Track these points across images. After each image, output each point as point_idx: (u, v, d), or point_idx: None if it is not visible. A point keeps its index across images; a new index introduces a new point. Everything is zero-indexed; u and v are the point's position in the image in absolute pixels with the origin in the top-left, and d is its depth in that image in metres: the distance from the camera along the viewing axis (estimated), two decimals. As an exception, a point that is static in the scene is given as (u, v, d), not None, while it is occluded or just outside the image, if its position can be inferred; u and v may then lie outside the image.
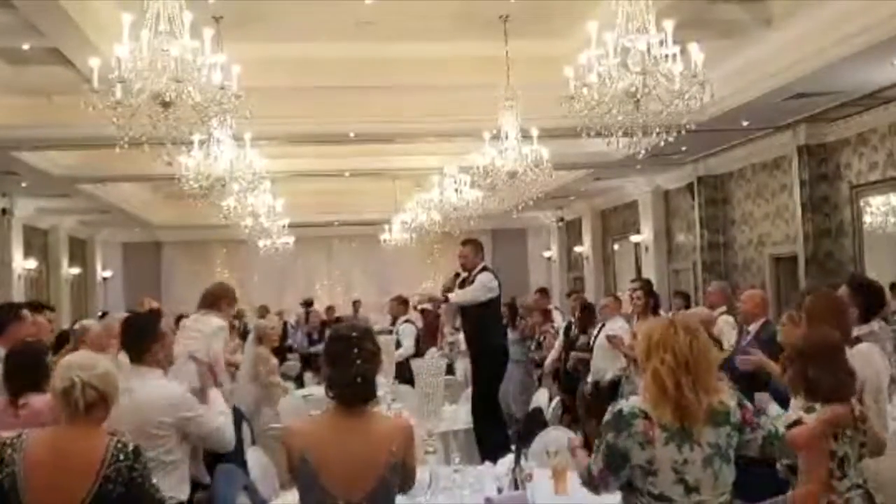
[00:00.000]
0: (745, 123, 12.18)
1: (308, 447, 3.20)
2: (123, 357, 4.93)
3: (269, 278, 23.36)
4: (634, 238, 19.10)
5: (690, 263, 16.86)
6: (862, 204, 12.09)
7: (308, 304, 18.81)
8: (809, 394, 3.81)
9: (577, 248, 22.82)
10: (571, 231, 23.72)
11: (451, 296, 7.87)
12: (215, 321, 6.43)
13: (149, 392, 4.28)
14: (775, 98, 10.44)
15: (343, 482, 3.14)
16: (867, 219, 12.01)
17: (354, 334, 3.33)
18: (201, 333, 6.35)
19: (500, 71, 9.50)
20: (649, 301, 8.41)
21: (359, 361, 3.21)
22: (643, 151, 6.07)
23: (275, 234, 17.43)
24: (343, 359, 3.23)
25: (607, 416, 3.24)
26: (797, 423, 3.66)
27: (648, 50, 5.65)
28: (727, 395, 3.30)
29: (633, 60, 5.67)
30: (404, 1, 9.14)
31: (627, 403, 3.25)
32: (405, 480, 3.26)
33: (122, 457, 3.21)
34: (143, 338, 4.52)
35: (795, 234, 13.07)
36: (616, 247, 21.01)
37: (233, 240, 20.51)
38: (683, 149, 14.21)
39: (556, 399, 8.86)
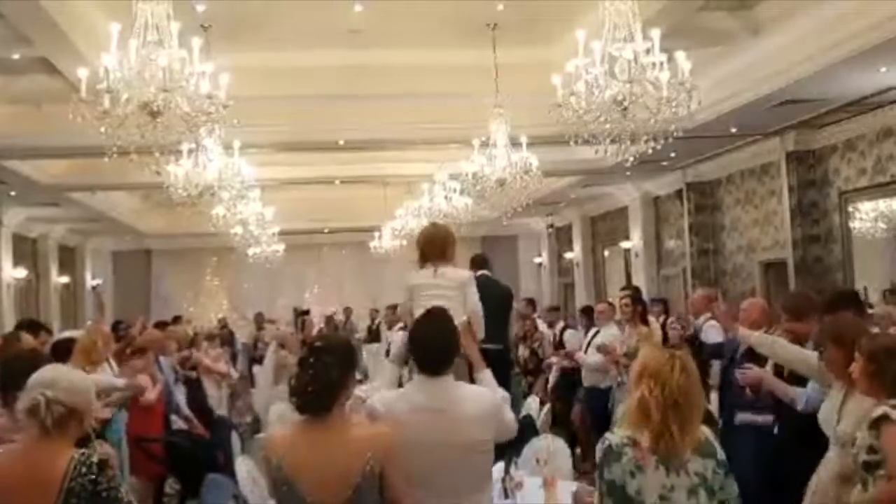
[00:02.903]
0: (733, 130, 12.24)
1: (283, 455, 3.21)
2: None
3: (259, 286, 23.32)
4: (624, 244, 19.15)
5: (680, 270, 16.91)
6: (850, 210, 12.13)
7: (304, 312, 18.75)
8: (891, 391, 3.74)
9: (568, 255, 22.86)
10: (562, 237, 23.75)
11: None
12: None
13: None
14: (763, 105, 10.49)
15: (318, 490, 3.14)
16: (856, 224, 12.05)
17: (318, 345, 3.38)
18: None
19: (489, 79, 9.53)
20: (637, 309, 8.41)
21: (311, 371, 3.23)
22: (631, 159, 6.09)
23: (264, 241, 17.40)
24: (301, 368, 3.30)
25: (598, 454, 3.23)
26: (885, 418, 3.55)
27: (635, 58, 5.67)
28: (712, 437, 3.31)
29: (621, 68, 5.69)
30: (393, 9, 9.16)
31: (614, 436, 3.24)
32: (391, 490, 3.23)
33: (84, 470, 3.17)
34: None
35: (784, 240, 13.12)
36: (606, 253, 21.05)
37: (223, 248, 20.47)
38: (672, 155, 14.27)
39: (547, 406, 8.86)
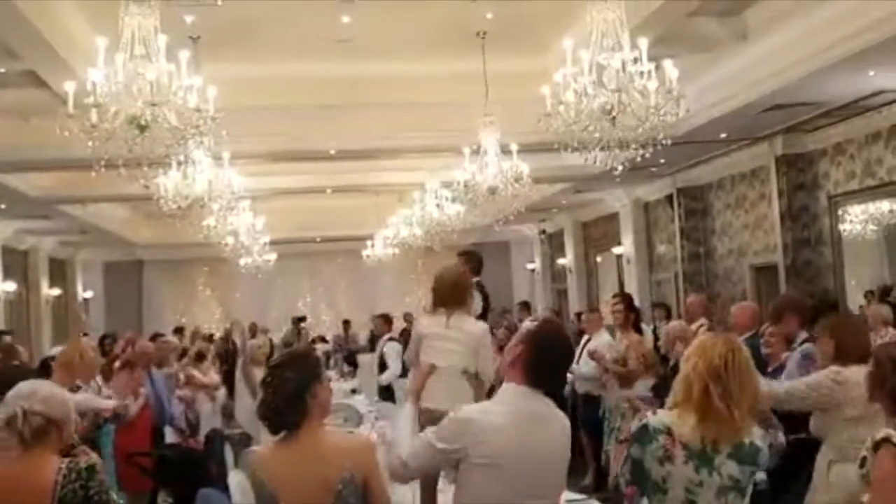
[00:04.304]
0: (723, 135, 12.28)
1: (264, 471, 3.20)
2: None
3: (252, 296, 23.26)
4: (616, 250, 19.17)
5: (672, 274, 16.92)
6: (840, 213, 12.16)
7: (300, 319, 18.71)
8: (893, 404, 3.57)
9: (561, 261, 22.86)
10: (554, 243, 23.76)
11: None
12: None
13: None
14: (752, 110, 10.52)
15: (299, 503, 3.13)
16: (847, 227, 12.08)
17: (277, 362, 3.36)
18: None
19: (479, 87, 9.54)
20: (629, 315, 8.40)
21: (272, 390, 3.21)
22: (620, 167, 6.10)
23: (256, 251, 17.38)
24: (264, 389, 3.27)
25: (633, 429, 3.24)
26: (886, 441, 3.33)
27: (623, 67, 5.68)
28: (760, 438, 3.25)
29: (608, 77, 5.71)
30: (382, 19, 9.17)
31: (655, 418, 3.22)
32: (375, 499, 3.22)
33: (74, 476, 3.20)
34: None
35: (775, 244, 13.15)
36: (599, 258, 21.06)
37: (215, 258, 20.44)
38: (662, 161, 14.28)
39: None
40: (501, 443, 3.15)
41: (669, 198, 16.55)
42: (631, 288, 18.05)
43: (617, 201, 18.66)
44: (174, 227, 12.44)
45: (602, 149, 6.09)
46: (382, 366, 10.11)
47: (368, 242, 19.68)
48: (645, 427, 3.18)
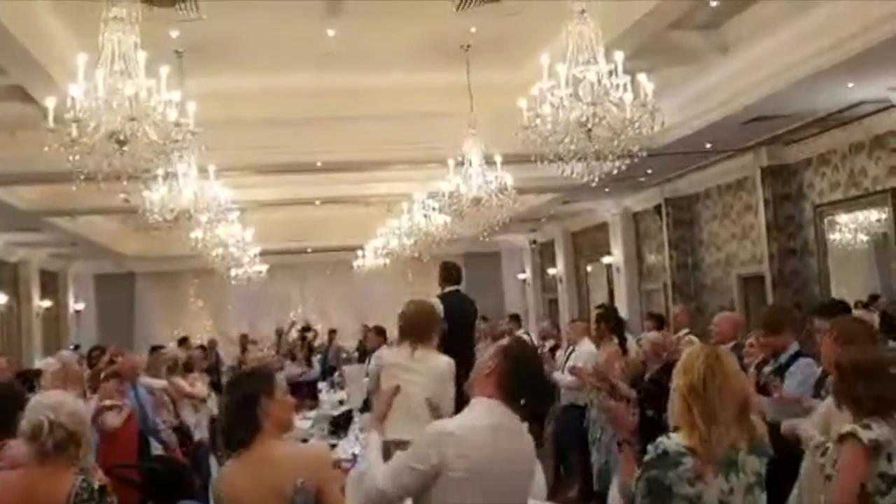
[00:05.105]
0: (707, 146, 12.35)
1: (222, 487, 3.27)
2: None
3: (244, 307, 23.30)
4: (606, 259, 19.23)
5: (661, 284, 16.98)
6: (826, 222, 12.24)
7: (306, 329, 18.68)
8: (857, 407, 3.71)
9: (551, 271, 22.93)
10: (545, 253, 23.84)
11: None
12: None
13: None
14: (734, 122, 10.61)
15: None
16: (837, 236, 12.10)
17: (229, 382, 3.51)
18: None
19: (464, 99, 9.61)
20: (604, 327, 8.47)
21: (225, 410, 3.32)
22: (596, 179, 6.17)
23: (247, 262, 17.41)
24: (220, 410, 3.37)
25: (650, 456, 3.23)
26: (851, 435, 3.56)
27: (599, 80, 5.75)
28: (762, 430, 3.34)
29: (584, 91, 5.78)
30: (366, 33, 9.25)
31: (670, 442, 3.23)
32: None
33: (86, 496, 3.23)
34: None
35: (761, 254, 13.22)
36: (589, 268, 21.12)
37: (205, 269, 20.46)
38: (649, 171, 14.39)
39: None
40: (480, 456, 3.20)
41: (658, 208, 16.62)
42: (620, 298, 18.15)
43: (606, 211, 18.73)
44: (165, 238, 12.50)
45: (579, 160, 6.15)
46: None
47: (359, 253, 19.71)
48: (665, 452, 3.19)
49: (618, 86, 5.92)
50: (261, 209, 16.33)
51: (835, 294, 12.11)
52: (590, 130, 5.74)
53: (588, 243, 21.06)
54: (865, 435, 3.50)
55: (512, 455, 3.30)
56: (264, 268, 19.48)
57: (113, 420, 7.45)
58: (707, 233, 15.63)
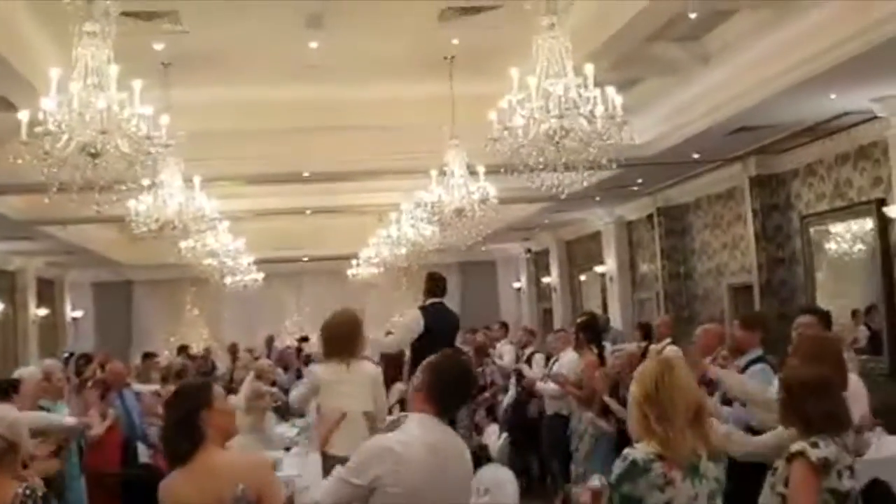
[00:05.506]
0: (695, 156, 12.40)
1: (166, 500, 3.34)
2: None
3: (240, 315, 23.36)
4: (599, 268, 19.24)
5: (653, 294, 16.99)
6: (812, 232, 12.24)
7: (303, 339, 18.71)
8: (805, 426, 3.72)
9: (546, 279, 22.94)
10: (540, 262, 23.86)
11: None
12: None
13: None
14: (719, 132, 10.65)
15: None
16: (833, 246, 12.03)
17: (169, 397, 3.61)
18: None
19: (447, 110, 9.68)
20: (581, 336, 8.54)
21: (165, 424, 3.42)
22: (565, 192, 6.22)
23: (242, 271, 17.49)
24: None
25: (619, 470, 3.27)
26: (800, 454, 3.58)
27: (566, 93, 5.82)
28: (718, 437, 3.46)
29: (553, 103, 5.84)
30: (348, 44, 9.31)
31: (636, 451, 3.28)
32: None
33: (30, 503, 3.27)
34: None
35: (750, 264, 13.23)
36: (583, 277, 21.13)
37: (202, 278, 20.54)
38: (640, 181, 14.45)
39: (504, 435, 8.94)
40: (417, 472, 3.25)
41: (650, 217, 16.66)
42: (613, 307, 18.17)
43: (599, 220, 18.76)
44: (160, 247, 12.58)
45: (550, 172, 6.21)
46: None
47: (353, 262, 19.78)
48: (634, 462, 3.24)
49: (588, 99, 5.98)
50: (256, 218, 16.41)
51: (828, 305, 12.08)
52: (557, 143, 5.80)
53: (582, 252, 21.08)
54: (814, 453, 3.54)
55: (449, 471, 3.37)
56: (260, 276, 19.56)
57: (97, 430, 7.50)
58: (699, 242, 15.65)
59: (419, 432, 3.36)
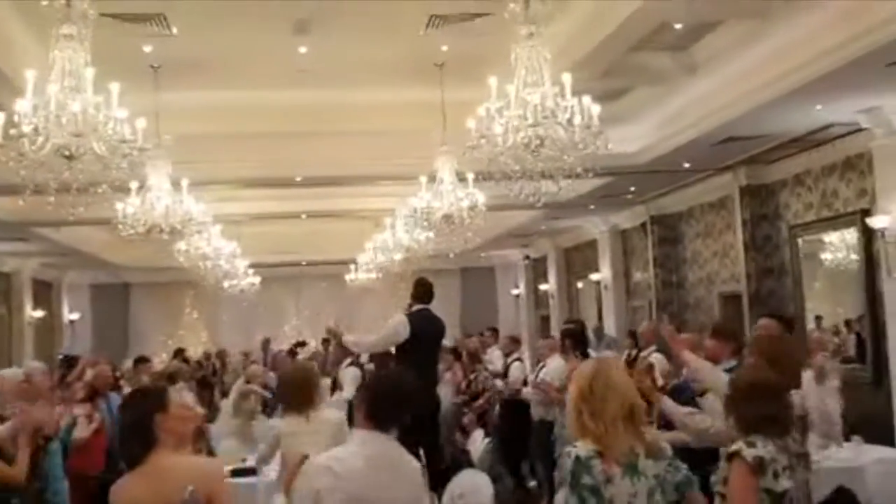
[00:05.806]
0: (686, 165, 12.43)
1: (117, 501, 3.37)
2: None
3: (238, 319, 23.40)
4: (594, 276, 19.25)
5: (646, 302, 17.00)
6: (801, 243, 12.25)
7: (300, 343, 18.69)
8: (744, 425, 3.77)
9: (543, 286, 22.95)
10: (538, 269, 23.88)
11: (347, 338, 7.93)
12: None
13: None
14: (707, 142, 10.69)
15: None
16: (829, 256, 12.00)
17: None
18: None
19: (438, 116, 9.72)
20: (566, 344, 8.56)
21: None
22: (541, 200, 6.25)
23: (240, 275, 17.53)
24: None
25: (567, 467, 3.33)
26: (736, 454, 3.64)
27: (544, 102, 5.84)
28: (664, 443, 3.51)
29: (531, 112, 5.87)
30: (337, 50, 9.36)
31: (577, 449, 3.36)
32: None
33: None
34: None
35: (739, 273, 13.25)
36: (580, 285, 21.15)
37: (199, 281, 20.60)
38: (632, 189, 14.48)
39: (487, 440, 8.96)
40: (356, 486, 3.40)
41: (644, 225, 16.68)
42: (608, 315, 18.18)
43: (595, 228, 18.79)
44: (158, 249, 12.58)
45: (527, 180, 6.24)
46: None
47: (351, 266, 19.80)
48: (578, 459, 3.32)
49: (565, 108, 6.00)
50: (254, 222, 16.45)
51: (820, 313, 12.10)
52: (534, 151, 5.83)
53: (579, 260, 21.10)
54: (750, 453, 3.59)
55: (392, 483, 3.48)
56: (257, 280, 19.59)
57: (82, 433, 7.52)
58: (691, 251, 15.67)
59: (357, 447, 3.59)
